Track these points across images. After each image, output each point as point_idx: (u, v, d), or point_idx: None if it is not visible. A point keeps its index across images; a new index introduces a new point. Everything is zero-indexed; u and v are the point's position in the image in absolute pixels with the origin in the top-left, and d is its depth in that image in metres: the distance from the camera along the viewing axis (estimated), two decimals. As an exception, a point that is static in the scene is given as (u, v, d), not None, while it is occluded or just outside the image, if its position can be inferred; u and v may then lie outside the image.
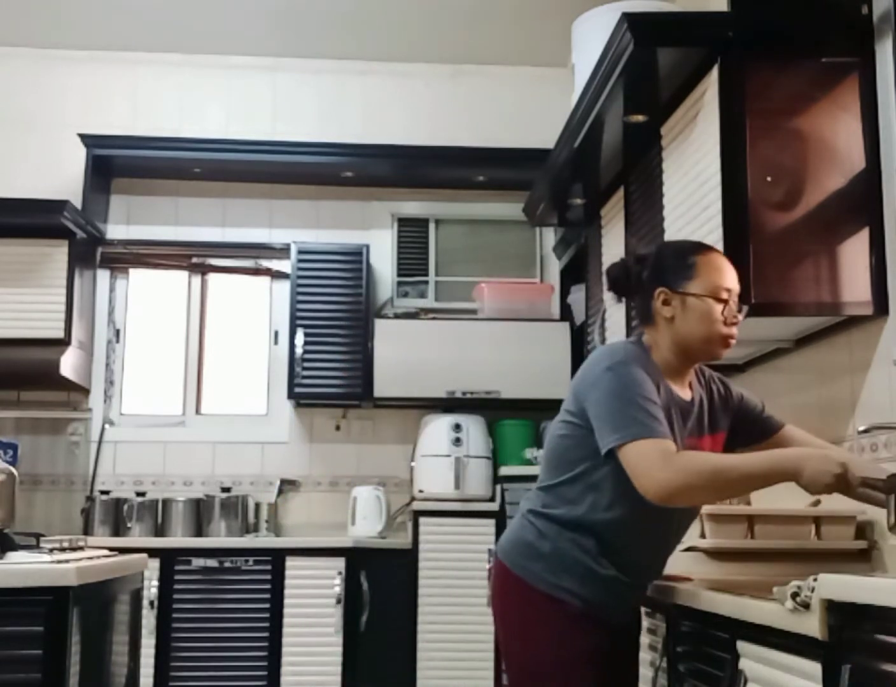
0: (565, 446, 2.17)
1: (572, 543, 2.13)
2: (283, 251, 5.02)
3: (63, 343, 4.52)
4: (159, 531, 4.67)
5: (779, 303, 2.59)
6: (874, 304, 2.55)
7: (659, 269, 2.18)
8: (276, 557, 4.36)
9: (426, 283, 5.18)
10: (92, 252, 4.95)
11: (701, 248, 2.22)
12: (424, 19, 4.78)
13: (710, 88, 2.72)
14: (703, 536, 2.60)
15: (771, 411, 2.34)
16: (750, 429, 2.31)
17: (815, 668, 1.52)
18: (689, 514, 2.25)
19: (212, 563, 4.34)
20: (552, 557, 2.13)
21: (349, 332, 4.78)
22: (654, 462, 1.96)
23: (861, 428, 2.43)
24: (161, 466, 4.92)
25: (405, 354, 4.70)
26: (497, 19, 4.75)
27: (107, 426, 4.92)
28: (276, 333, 5.09)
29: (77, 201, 4.68)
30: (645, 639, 2.39)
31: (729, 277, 2.15)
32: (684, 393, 2.20)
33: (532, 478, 4.49)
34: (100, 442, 4.89)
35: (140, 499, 4.68)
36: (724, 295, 2.12)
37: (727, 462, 2.04)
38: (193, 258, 5.15)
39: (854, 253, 2.57)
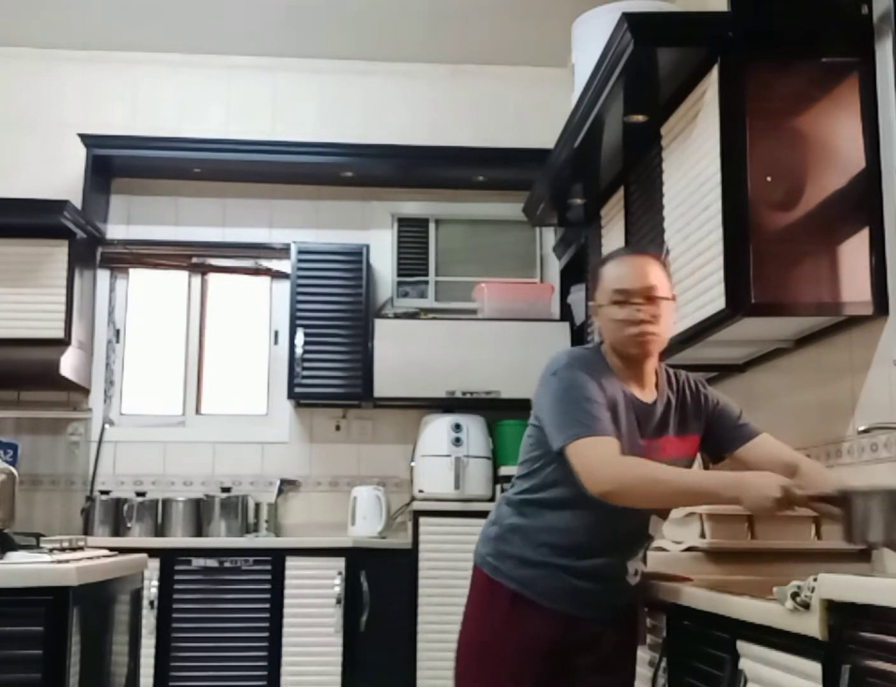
0: (528, 445, 2.34)
1: (516, 529, 2.27)
2: (283, 251, 5.02)
3: (63, 343, 4.52)
4: (159, 531, 4.67)
5: (779, 303, 2.59)
6: (874, 304, 2.55)
7: (590, 284, 2.33)
8: (276, 557, 4.36)
9: (426, 283, 5.18)
10: (92, 252, 4.95)
11: (608, 257, 2.33)
12: (424, 19, 4.78)
13: (710, 88, 2.72)
14: (703, 536, 2.60)
15: (749, 419, 2.35)
16: (724, 435, 2.35)
17: (815, 668, 1.52)
18: (647, 515, 2.26)
19: (212, 563, 4.33)
20: (498, 540, 2.31)
21: (349, 332, 4.78)
22: (595, 461, 2.07)
23: (861, 428, 2.43)
24: (161, 466, 4.92)
25: (405, 354, 4.70)
26: (497, 19, 4.75)
27: (107, 426, 4.92)
28: (276, 333, 5.09)
29: (77, 201, 4.67)
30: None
31: (626, 279, 2.22)
32: (644, 394, 2.27)
33: (532, 478, 4.50)
34: (100, 442, 4.89)
35: (140, 499, 4.68)
36: (618, 297, 2.21)
37: (668, 474, 2.10)
38: (193, 258, 5.15)
39: (854, 253, 2.57)
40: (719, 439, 2.35)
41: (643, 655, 2.42)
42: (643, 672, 2.41)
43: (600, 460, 2.07)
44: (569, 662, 2.25)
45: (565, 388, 2.18)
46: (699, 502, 2.12)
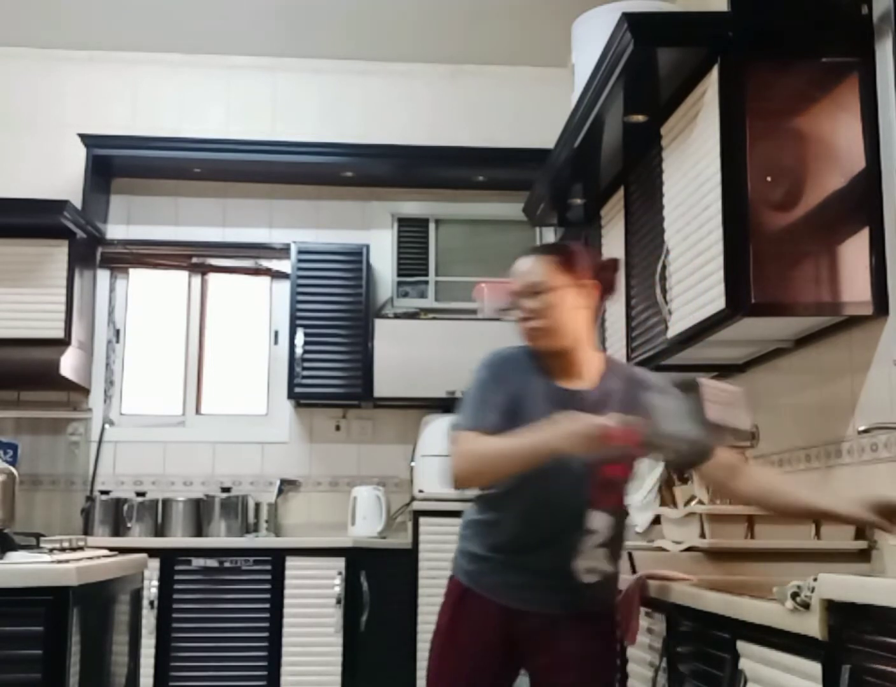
0: None
1: (469, 525, 2.39)
2: (283, 251, 5.02)
3: (63, 343, 4.52)
4: (159, 531, 4.67)
5: (779, 303, 2.59)
6: (874, 304, 2.55)
7: None
8: (276, 557, 4.36)
9: (426, 283, 5.18)
10: (92, 252, 4.95)
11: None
12: (424, 19, 4.78)
13: (710, 88, 2.72)
14: (703, 536, 2.60)
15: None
16: None
17: (815, 668, 1.52)
18: (578, 509, 2.26)
19: (212, 563, 4.33)
20: (460, 537, 2.43)
21: (349, 332, 4.78)
22: (453, 453, 2.24)
23: (861, 428, 2.43)
24: (161, 466, 4.92)
25: (405, 354, 4.70)
26: (497, 19, 4.75)
27: (107, 426, 4.92)
28: (276, 333, 5.09)
29: (77, 201, 4.68)
30: (644, 639, 2.39)
31: (513, 280, 2.36)
32: (575, 383, 2.32)
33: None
34: (100, 442, 4.90)
35: (140, 499, 4.68)
36: (512, 298, 2.38)
37: (504, 443, 2.18)
38: (193, 258, 5.15)
39: (854, 253, 2.57)
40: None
41: (643, 654, 2.42)
42: (643, 672, 2.42)
43: (457, 452, 2.23)
44: (524, 658, 2.29)
45: (472, 386, 2.42)
46: (540, 458, 2.10)
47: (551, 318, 2.31)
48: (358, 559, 4.40)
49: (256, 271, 5.16)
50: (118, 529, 4.63)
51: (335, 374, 4.74)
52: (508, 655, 2.29)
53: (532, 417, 2.21)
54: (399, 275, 5.16)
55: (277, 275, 5.12)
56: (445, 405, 4.73)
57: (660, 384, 2.31)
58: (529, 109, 5.10)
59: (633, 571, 2.55)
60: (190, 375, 5.10)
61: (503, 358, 2.43)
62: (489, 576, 2.30)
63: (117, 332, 5.08)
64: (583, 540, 2.27)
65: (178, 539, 4.57)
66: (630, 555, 2.58)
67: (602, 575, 2.29)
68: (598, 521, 2.26)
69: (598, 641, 2.31)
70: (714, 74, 2.69)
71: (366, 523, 4.66)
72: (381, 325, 4.78)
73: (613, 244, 3.68)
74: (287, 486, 4.92)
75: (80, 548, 2.60)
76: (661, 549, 2.78)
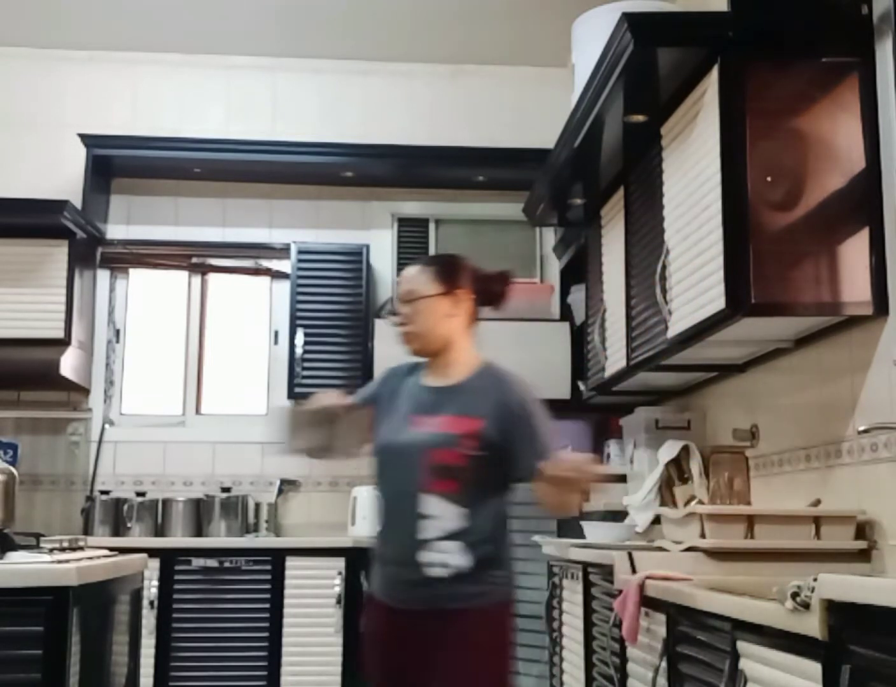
0: None
1: None
2: (283, 251, 5.02)
3: (63, 343, 4.52)
4: (159, 531, 4.67)
5: (779, 303, 2.59)
6: (874, 304, 2.55)
7: None
8: (276, 557, 4.36)
9: (426, 283, 5.17)
10: (92, 252, 4.95)
11: None
12: (424, 19, 4.78)
13: (710, 88, 2.72)
14: (703, 536, 2.60)
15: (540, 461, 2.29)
16: (516, 449, 2.37)
17: (815, 668, 1.52)
18: (409, 492, 2.35)
19: (212, 563, 4.33)
20: None
21: (349, 332, 4.78)
22: None
23: (861, 428, 2.43)
24: (161, 466, 4.92)
25: (405, 354, 4.69)
26: (497, 19, 4.75)
27: (107, 426, 4.92)
28: (276, 333, 5.09)
29: (77, 201, 4.68)
30: (644, 639, 2.39)
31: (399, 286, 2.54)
32: (435, 380, 2.49)
33: (532, 478, 4.48)
34: (100, 442, 4.89)
35: (140, 499, 4.68)
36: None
37: None
38: (193, 258, 5.15)
39: (854, 253, 2.57)
40: (515, 456, 2.37)
41: (644, 655, 2.42)
42: (643, 672, 2.42)
43: None
44: (403, 659, 2.32)
45: None
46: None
47: (420, 325, 2.48)
48: (358, 559, 4.39)
49: (256, 271, 5.16)
50: (118, 529, 4.63)
51: (335, 374, 4.74)
52: (392, 657, 2.32)
53: (397, 410, 2.45)
54: (399, 275, 5.15)
55: (277, 275, 5.12)
56: (445, 405, 4.73)
57: (525, 410, 2.41)
58: (529, 109, 5.10)
59: (633, 570, 2.55)
60: (190, 375, 5.10)
61: (393, 369, 2.63)
62: (375, 574, 2.45)
63: (117, 332, 5.08)
64: (420, 526, 2.31)
65: (178, 539, 4.57)
66: (630, 555, 2.58)
67: (455, 569, 2.28)
68: (435, 506, 2.31)
69: (459, 642, 2.29)
70: (714, 74, 2.69)
71: (366, 523, 4.65)
72: (381, 326, 4.77)
73: (613, 244, 3.69)
74: (287, 486, 4.92)
75: (80, 548, 2.60)
76: (661, 549, 2.78)
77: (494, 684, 2.32)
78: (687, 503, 3.20)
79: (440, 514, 2.31)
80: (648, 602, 2.35)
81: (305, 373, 4.72)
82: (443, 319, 2.47)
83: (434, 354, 2.50)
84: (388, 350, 4.70)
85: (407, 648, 2.31)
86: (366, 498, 4.69)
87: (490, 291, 2.54)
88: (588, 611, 3.06)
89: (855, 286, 2.56)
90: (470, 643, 2.29)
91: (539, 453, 2.31)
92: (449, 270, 2.51)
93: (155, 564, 4.23)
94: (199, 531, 4.68)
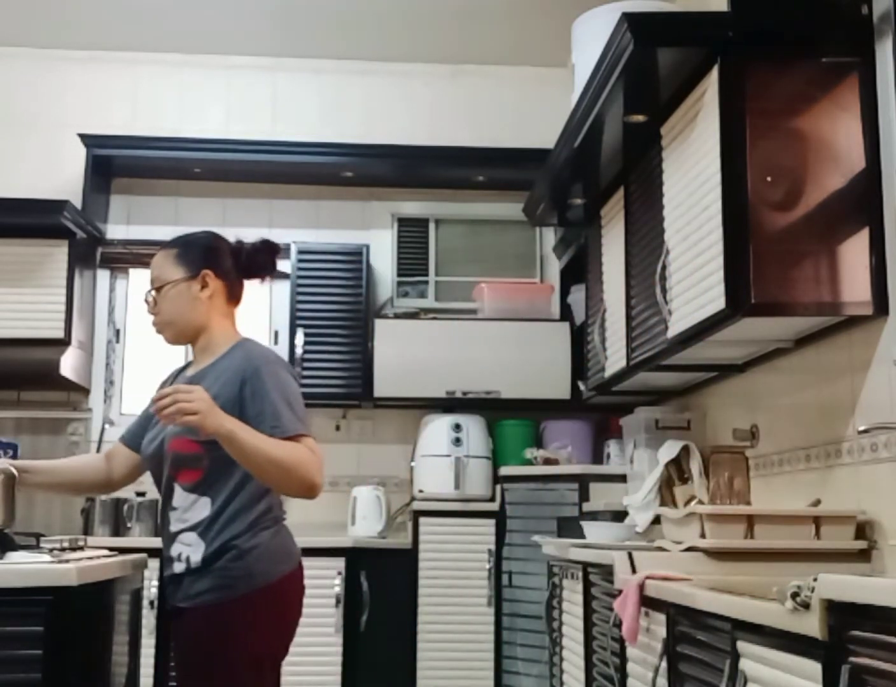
0: None
1: None
2: (283, 251, 5.00)
3: (63, 343, 4.52)
4: (159, 531, 4.65)
5: (779, 303, 2.59)
6: (874, 304, 2.55)
7: None
8: (276, 557, 4.35)
9: (426, 283, 5.18)
10: (92, 252, 4.95)
11: None
12: (424, 19, 4.78)
13: (710, 88, 2.72)
14: (703, 536, 2.60)
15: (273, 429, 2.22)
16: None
17: (815, 668, 1.52)
18: (167, 483, 2.34)
19: (212, 563, 4.33)
20: None
21: (349, 332, 4.78)
22: (310, 458, 2.26)
23: (861, 428, 2.43)
24: (161, 466, 4.91)
25: (405, 354, 4.70)
26: (497, 19, 4.75)
27: (107, 426, 4.92)
28: (276, 333, 5.09)
29: (77, 201, 4.67)
30: (644, 639, 2.39)
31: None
32: (194, 368, 2.44)
33: (532, 478, 4.52)
34: (100, 442, 4.89)
35: (140, 499, 4.67)
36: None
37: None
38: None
39: (854, 253, 2.57)
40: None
41: (644, 655, 2.42)
42: (643, 672, 2.42)
43: (317, 461, 2.30)
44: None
45: (283, 386, 2.32)
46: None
47: (168, 312, 2.38)
48: (358, 559, 4.40)
49: (256, 271, 5.16)
50: (118, 529, 4.62)
51: (335, 374, 4.74)
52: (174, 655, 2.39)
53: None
54: (399, 275, 5.16)
55: (277, 275, 5.11)
56: (445, 405, 4.74)
57: (257, 390, 2.24)
58: (529, 109, 5.10)
59: (633, 570, 2.55)
60: (190, 375, 5.09)
61: (172, 371, 2.60)
62: None
63: (117, 332, 5.08)
64: (170, 519, 2.31)
65: (178, 539, 4.56)
66: (630, 555, 2.58)
67: (194, 565, 2.25)
68: (179, 498, 2.29)
69: (187, 643, 2.28)
70: (714, 74, 2.69)
71: (366, 523, 4.65)
72: (381, 325, 4.78)
73: (613, 244, 3.69)
74: (287, 486, 4.91)
75: (80, 548, 2.60)
76: (661, 549, 2.78)
77: None
78: (687, 503, 3.20)
79: (184, 505, 2.28)
80: (648, 602, 2.35)
81: (305, 373, 4.72)
82: (192, 304, 2.38)
83: (190, 340, 2.42)
84: (389, 350, 4.74)
85: (173, 648, 2.37)
86: (366, 498, 4.69)
87: (253, 264, 2.47)
88: (588, 611, 3.06)
89: (855, 286, 2.56)
90: (194, 644, 2.27)
91: (269, 425, 2.19)
92: (191, 252, 2.41)
93: (155, 564, 4.19)
94: (199, 531, 4.67)
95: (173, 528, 2.31)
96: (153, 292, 2.39)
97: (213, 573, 2.24)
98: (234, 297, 2.47)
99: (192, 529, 2.27)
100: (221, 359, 2.36)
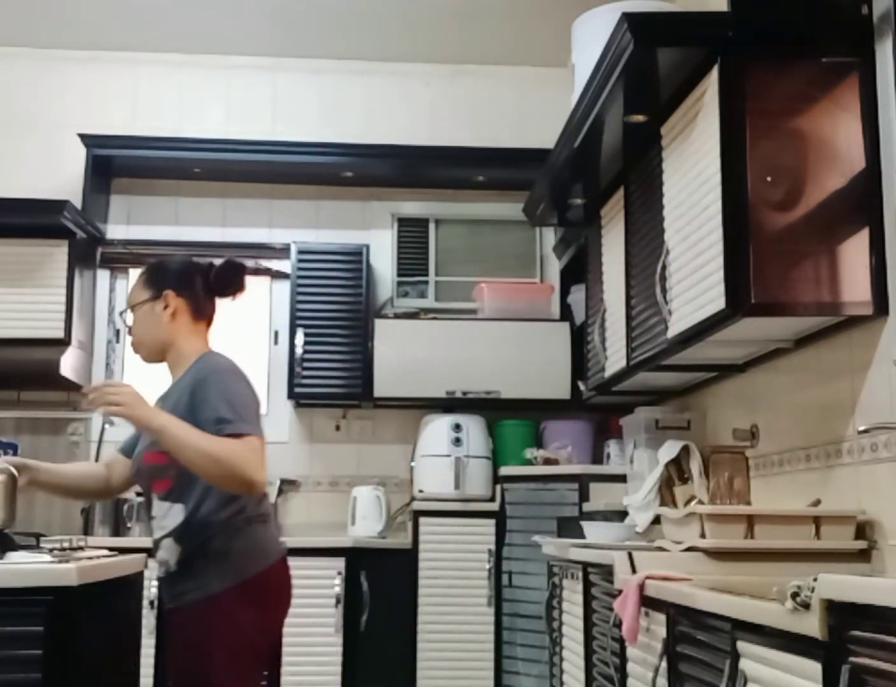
0: None
1: None
2: (283, 251, 5.02)
3: (63, 343, 4.52)
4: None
5: (779, 303, 2.59)
6: (874, 304, 2.55)
7: None
8: (276, 557, 4.35)
9: (426, 283, 5.18)
10: (92, 252, 4.95)
11: None
12: (424, 19, 4.78)
13: (710, 88, 2.72)
14: (703, 536, 2.60)
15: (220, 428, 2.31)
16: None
17: (815, 668, 1.52)
18: (144, 493, 2.53)
19: (212, 563, 4.33)
20: None
21: (349, 332, 4.78)
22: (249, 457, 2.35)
23: (861, 428, 2.43)
24: (161, 466, 4.91)
25: (405, 354, 4.70)
26: (497, 19, 4.75)
27: (107, 426, 4.92)
28: (276, 333, 5.09)
29: (77, 201, 4.67)
30: (644, 639, 2.39)
31: None
32: (167, 385, 2.57)
33: (532, 478, 4.52)
34: (100, 442, 4.89)
35: (140, 499, 4.67)
36: None
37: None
38: (193, 258, 5.14)
39: (854, 253, 2.57)
40: None
41: (643, 655, 2.42)
42: (643, 672, 2.42)
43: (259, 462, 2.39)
44: None
45: (235, 387, 2.47)
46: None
47: (139, 333, 2.59)
48: (358, 559, 4.40)
49: (256, 271, 5.16)
50: (118, 529, 4.63)
51: (335, 374, 4.74)
52: None
53: None
54: (399, 275, 5.16)
55: (277, 275, 5.12)
56: (445, 405, 4.74)
57: (205, 394, 2.36)
58: (529, 109, 5.10)
59: (633, 570, 2.55)
60: (190, 375, 5.09)
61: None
62: None
63: (117, 332, 5.08)
64: (153, 528, 2.46)
65: (178, 539, 4.57)
66: (630, 555, 2.58)
67: (173, 568, 2.39)
68: (157, 507, 2.43)
69: (171, 642, 2.45)
70: (714, 74, 2.69)
71: (366, 523, 4.65)
72: (381, 325, 4.78)
73: (613, 244, 3.69)
74: (287, 486, 4.91)
75: (80, 548, 2.60)
76: (661, 549, 2.78)
77: (202, 684, 2.33)
78: (687, 503, 3.20)
79: (161, 513, 2.42)
80: (648, 602, 2.35)
81: (305, 373, 4.72)
82: (157, 324, 2.54)
83: (161, 358, 2.56)
84: (389, 350, 4.74)
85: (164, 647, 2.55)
86: (366, 498, 4.69)
87: (220, 282, 2.61)
88: (588, 611, 3.06)
89: (855, 286, 2.56)
90: (179, 643, 2.40)
91: (213, 426, 2.29)
92: (156, 274, 2.59)
93: (155, 564, 4.21)
94: (199, 531, 4.67)
95: (155, 535, 2.45)
96: (129, 314, 2.59)
97: (190, 574, 2.37)
98: (201, 314, 2.61)
99: (169, 535, 2.40)
100: (185, 373, 2.50)
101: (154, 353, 2.57)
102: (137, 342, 2.59)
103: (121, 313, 2.60)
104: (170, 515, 2.39)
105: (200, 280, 2.59)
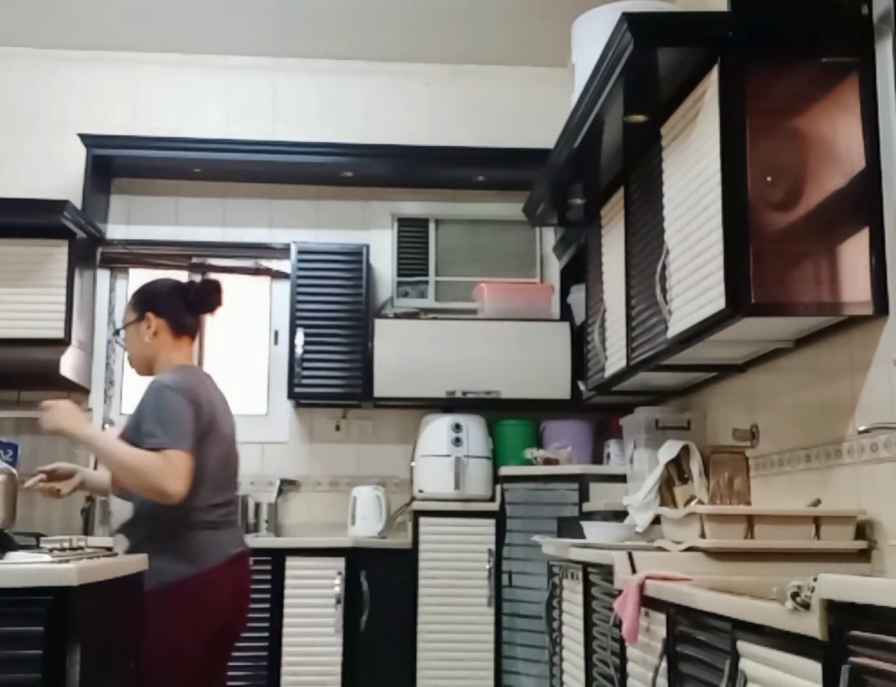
0: None
1: None
2: (283, 251, 5.02)
3: (63, 343, 4.52)
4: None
5: (779, 303, 2.59)
6: (874, 305, 2.55)
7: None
8: (276, 557, 4.36)
9: (426, 283, 5.18)
10: (92, 252, 4.95)
11: None
12: (424, 19, 4.79)
13: (710, 88, 2.72)
14: (703, 536, 2.60)
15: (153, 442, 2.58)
16: None
17: (815, 668, 1.52)
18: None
19: (212, 563, 4.33)
20: None
21: (349, 332, 4.78)
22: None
23: (861, 428, 2.43)
24: (161, 466, 4.91)
25: (405, 354, 4.70)
26: (497, 19, 4.75)
27: (107, 426, 4.92)
28: (276, 333, 5.09)
29: (77, 201, 4.68)
30: (644, 639, 2.39)
31: None
32: None
33: (532, 478, 4.52)
34: (100, 442, 4.89)
35: (140, 499, 4.68)
36: None
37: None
38: (193, 258, 5.15)
39: (854, 253, 2.57)
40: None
41: (643, 655, 2.42)
42: (643, 672, 2.42)
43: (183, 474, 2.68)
44: None
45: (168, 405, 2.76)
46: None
47: (129, 350, 2.89)
48: (358, 559, 4.40)
49: (256, 271, 5.16)
50: (118, 529, 4.62)
51: (335, 374, 4.74)
52: None
53: None
54: (399, 275, 5.16)
55: (277, 275, 5.12)
56: (445, 405, 4.74)
57: (143, 406, 2.66)
58: (529, 109, 5.10)
59: (633, 570, 2.55)
60: (190, 375, 5.09)
61: None
62: None
63: (117, 332, 5.08)
64: (111, 521, 2.77)
65: (178, 539, 4.57)
66: (630, 555, 2.58)
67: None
68: (114, 502, 2.75)
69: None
70: (714, 74, 2.69)
71: (366, 523, 4.66)
72: (381, 325, 4.78)
73: (613, 244, 3.69)
74: (287, 486, 4.92)
75: (80, 548, 2.60)
76: (661, 549, 2.78)
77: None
78: (687, 503, 3.20)
79: (116, 508, 2.73)
80: (648, 602, 2.35)
81: (305, 373, 4.72)
82: (141, 342, 2.85)
83: (150, 372, 2.83)
84: (389, 350, 4.74)
85: None
86: (366, 498, 4.70)
87: (198, 301, 2.89)
88: (588, 611, 3.06)
89: (855, 286, 2.56)
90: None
91: (144, 440, 2.57)
92: (138, 298, 2.90)
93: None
94: (199, 531, 4.67)
95: (113, 527, 2.77)
96: (122, 334, 2.89)
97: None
98: (182, 330, 2.87)
99: (120, 529, 2.71)
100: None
101: (143, 367, 2.87)
102: (129, 358, 2.91)
103: (114, 333, 2.94)
104: (122, 510, 2.69)
105: (181, 300, 2.87)
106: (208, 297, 2.90)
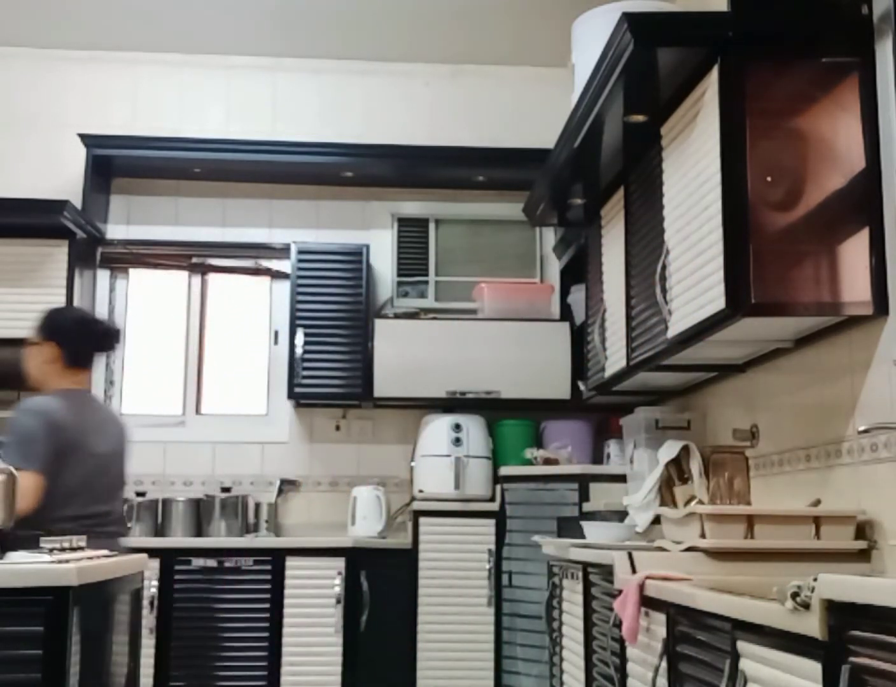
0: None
1: None
2: (283, 251, 5.02)
3: (63, 343, 4.51)
4: (159, 531, 4.67)
5: (779, 303, 2.59)
6: (874, 304, 2.55)
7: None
8: (276, 557, 4.36)
9: (426, 283, 5.18)
10: (92, 252, 4.95)
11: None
12: (424, 19, 4.79)
13: (710, 88, 2.72)
14: (703, 536, 2.60)
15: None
16: None
17: (815, 668, 1.52)
18: None
19: (212, 563, 4.33)
20: None
21: (349, 332, 4.78)
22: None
23: (861, 428, 2.43)
24: (161, 466, 4.92)
25: (405, 354, 4.70)
26: (497, 19, 4.75)
27: (107, 426, 4.92)
28: (276, 333, 5.09)
29: (77, 201, 4.68)
30: (644, 639, 2.39)
31: None
32: None
33: (532, 478, 4.53)
34: (100, 442, 4.89)
35: (140, 499, 4.68)
36: None
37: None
38: (193, 258, 5.15)
39: (854, 253, 2.57)
40: None
41: (643, 655, 2.42)
42: (643, 672, 2.42)
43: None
44: None
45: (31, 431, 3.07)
46: None
47: (26, 367, 3.16)
48: (358, 559, 4.40)
49: (256, 271, 5.16)
50: (118, 529, 4.62)
51: (335, 374, 4.74)
52: None
53: None
54: (399, 275, 5.16)
55: (277, 275, 5.12)
56: (445, 405, 4.74)
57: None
58: (529, 109, 5.10)
59: (633, 570, 2.55)
60: (190, 375, 5.10)
61: None
62: None
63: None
64: None
65: (177, 539, 4.57)
66: (630, 555, 2.58)
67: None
68: None
69: None
70: (714, 74, 2.69)
71: (366, 523, 4.66)
72: (381, 325, 4.78)
73: (613, 244, 3.69)
74: (287, 486, 4.92)
75: (81, 548, 2.60)
76: (661, 549, 2.78)
77: None
78: (687, 503, 3.20)
79: None
80: (648, 602, 2.35)
81: (305, 373, 4.72)
82: (37, 365, 3.15)
83: (37, 389, 3.10)
84: (389, 350, 4.74)
85: None
86: (366, 498, 4.70)
87: (103, 344, 3.26)
88: (588, 611, 3.06)
89: (855, 286, 2.56)
90: None
91: (2, 460, 2.76)
92: (46, 323, 3.18)
93: (155, 564, 4.23)
94: (199, 531, 4.68)
95: None
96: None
97: None
98: (76, 363, 3.16)
99: None
100: None
101: (34, 384, 3.14)
102: (25, 371, 3.17)
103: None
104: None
105: (85, 334, 3.18)
106: (109, 340, 3.29)
